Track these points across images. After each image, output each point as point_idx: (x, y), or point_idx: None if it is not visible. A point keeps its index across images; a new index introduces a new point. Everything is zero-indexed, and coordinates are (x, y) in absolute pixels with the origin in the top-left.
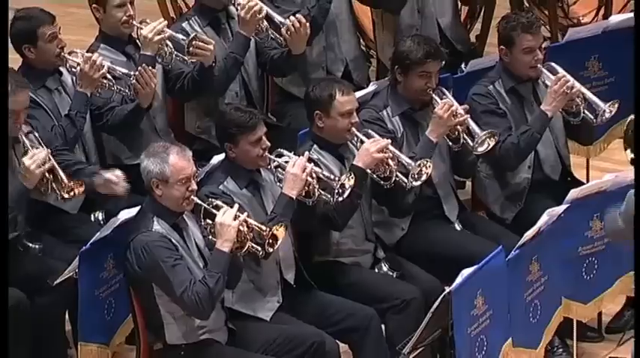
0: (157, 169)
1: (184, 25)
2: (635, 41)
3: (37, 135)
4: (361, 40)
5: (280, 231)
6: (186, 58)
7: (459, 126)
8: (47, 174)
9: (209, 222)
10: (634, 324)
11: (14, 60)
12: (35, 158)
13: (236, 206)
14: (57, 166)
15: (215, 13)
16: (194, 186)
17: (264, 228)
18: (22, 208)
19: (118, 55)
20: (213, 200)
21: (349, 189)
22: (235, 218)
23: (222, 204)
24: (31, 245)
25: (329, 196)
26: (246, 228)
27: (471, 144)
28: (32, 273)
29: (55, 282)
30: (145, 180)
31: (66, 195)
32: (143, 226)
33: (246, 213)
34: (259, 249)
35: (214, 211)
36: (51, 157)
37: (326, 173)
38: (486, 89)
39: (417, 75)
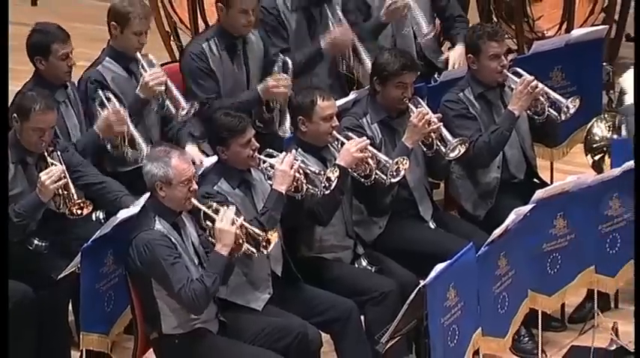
0: (161, 172)
1: (204, 45)
2: (636, 42)
3: (59, 154)
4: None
5: (274, 236)
6: (182, 113)
7: (432, 134)
8: (61, 191)
9: (209, 224)
10: (634, 321)
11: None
12: (51, 174)
13: (233, 208)
14: (70, 184)
15: (233, 40)
16: (195, 186)
17: (259, 232)
18: (35, 218)
19: (121, 71)
20: (212, 203)
21: (335, 181)
22: (233, 222)
23: (220, 207)
24: (37, 243)
25: (316, 190)
26: (243, 231)
27: (444, 150)
28: (37, 268)
29: (59, 277)
30: (149, 183)
31: (75, 212)
32: (145, 225)
33: (242, 217)
34: (254, 251)
35: (214, 216)
36: (66, 174)
37: (312, 168)
38: (457, 96)
39: (394, 85)
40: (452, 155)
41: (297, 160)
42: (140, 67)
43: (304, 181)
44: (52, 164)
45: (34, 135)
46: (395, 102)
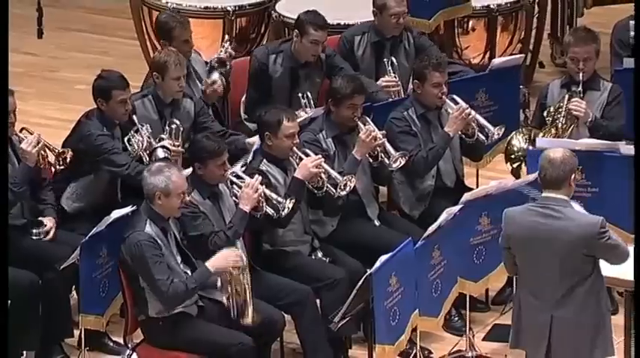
0: (162, 184)
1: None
2: (636, 43)
3: (28, 130)
4: None
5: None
6: None
7: (378, 148)
8: (42, 152)
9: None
10: (634, 322)
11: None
12: (29, 141)
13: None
14: (47, 144)
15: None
16: (187, 199)
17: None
18: (27, 182)
19: (154, 112)
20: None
21: (288, 209)
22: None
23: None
24: (34, 230)
25: (273, 211)
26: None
27: (387, 161)
28: (42, 259)
29: (62, 267)
30: (149, 192)
31: (61, 166)
32: (138, 226)
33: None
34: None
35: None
36: (41, 139)
37: (273, 195)
38: (402, 114)
39: (346, 107)
40: (394, 166)
41: (262, 185)
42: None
43: (264, 203)
44: (26, 137)
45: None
46: (346, 120)
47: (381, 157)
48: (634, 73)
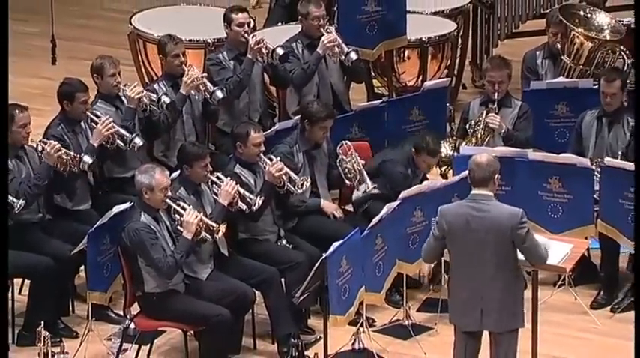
0: (147, 182)
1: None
2: (636, 42)
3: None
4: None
5: (222, 227)
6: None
7: (357, 174)
8: (63, 156)
9: (177, 217)
10: (634, 322)
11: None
12: (52, 145)
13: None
14: (67, 151)
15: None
16: (169, 193)
17: (213, 224)
18: (46, 178)
19: (110, 107)
20: (181, 203)
21: (258, 205)
22: (195, 217)
23: (186, 206)
24: (45, 218)
25: (245, 207)
26: (201, 223)
27: (361, 188)
28: (58, 248)
29: (72, 252)
30: (137, 188)
31: (76, 169)
32: (134, 217)
33: (202, 213)
34: (209, 237)
35: (182, 211)
36: (60, 147)
37: (247, 193)
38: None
39: (318, 127)
40: (369, 191)
41: (237, 184)
42: (123, 96)
43: (238, 200)
44: (46, 144)
45: (23, 131)
46: (317, 138)
47: (357, 187)
48: (635, 77)
